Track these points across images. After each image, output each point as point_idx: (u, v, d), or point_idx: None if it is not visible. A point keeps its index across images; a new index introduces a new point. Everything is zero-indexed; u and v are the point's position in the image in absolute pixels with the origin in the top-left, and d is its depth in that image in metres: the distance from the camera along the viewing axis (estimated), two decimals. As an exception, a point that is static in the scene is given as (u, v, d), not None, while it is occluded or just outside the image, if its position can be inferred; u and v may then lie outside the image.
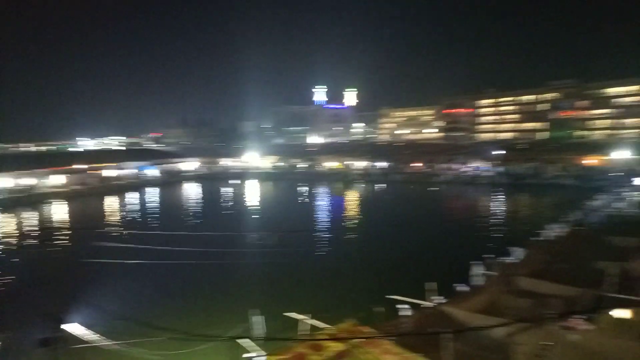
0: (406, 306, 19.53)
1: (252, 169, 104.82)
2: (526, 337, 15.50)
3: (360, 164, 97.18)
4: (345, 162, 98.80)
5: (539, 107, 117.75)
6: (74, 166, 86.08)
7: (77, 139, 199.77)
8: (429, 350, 13.96)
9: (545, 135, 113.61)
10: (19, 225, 53.79)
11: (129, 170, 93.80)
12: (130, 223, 52.57)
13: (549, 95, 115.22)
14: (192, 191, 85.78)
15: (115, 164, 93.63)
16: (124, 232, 46.14)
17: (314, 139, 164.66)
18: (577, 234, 33.03)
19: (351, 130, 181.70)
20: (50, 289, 26.22)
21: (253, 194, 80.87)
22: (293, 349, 13.36)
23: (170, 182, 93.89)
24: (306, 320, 17.15)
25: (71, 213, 63.79)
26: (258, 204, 68.31)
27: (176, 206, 68.03)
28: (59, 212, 64.10)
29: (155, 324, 19.93)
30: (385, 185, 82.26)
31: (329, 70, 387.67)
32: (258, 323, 16.69)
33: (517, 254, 27.97)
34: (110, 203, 70.53)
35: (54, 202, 70.07)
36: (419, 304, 20.23)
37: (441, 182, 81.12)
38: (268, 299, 22.76)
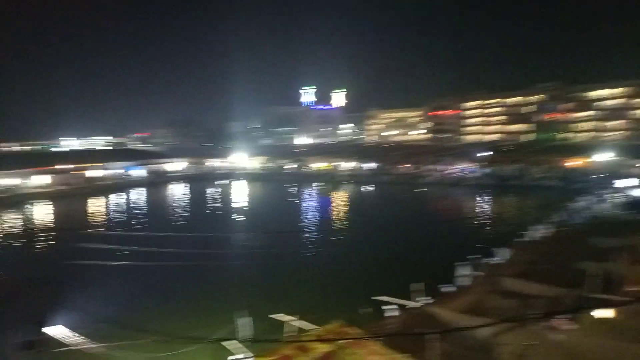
0: (393, 307, 19.65)
1: (240, 170, 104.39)
2: (511, 337, 15.69)
3: (348, 165, 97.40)
4: (333, 163, 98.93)
5: (524, 109, 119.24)
6: (59, 166, 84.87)
7: (61, 138, 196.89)
8: (415, 350, 14.06)
9: (531, 137, 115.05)
10: (1, 226, 52.87)
11: (114, 170, 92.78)
12: (115, 224, 52.00)
13: (534, 98, 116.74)
14: (178, 192, 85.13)
15: (100, 164, 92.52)
16: (108, 233, 45.62)
17: (302, 139, 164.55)
18: (561, 235, 33.57)
19: (339, 131, 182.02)
20: (33, 291, 25.82)
21: (240, 195, 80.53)
22: (279, 350, 13.35)
23: (157, 183, 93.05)
24: (293, 321, 17.15)
25: (55, 214, 62.90)
26: (245, 204, 68.07)
27: (162, 207, 67.48)
28: (43, 212, 63.17)
29: (140, 326, 19.74)
30: (373, 186, 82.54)
31: (318, 70, 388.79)
32: (245, 325, 16.64)
33: (502, 254, 28.28)
34: (95, 204, 69.69)
35: (37, 203, 69.02)
36: (406, 305, 20.36)
37: (428, 183, 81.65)
38: (255, 301, 22.67)
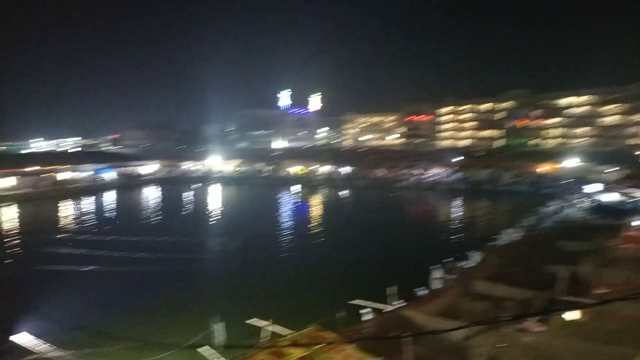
0: (368, 310, 19.79)
1: (215, 173, 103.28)
2: (483, 339, 16.00)
3: (324, 169, 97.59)
4: (309, 167, 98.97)
5: (496, 115, 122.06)
6: (26, 168, 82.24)
7: (29, 140, 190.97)
8: (390, 354, 14.18)
9: (502, 142, 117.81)
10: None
11: (84, 173, 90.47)
12: (85, 228, 50.70)
13: (505, 104, 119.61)
14: (151, 195, 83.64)
15: (70, 167, 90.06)
16: (78, 237, 44.44)
17: (278, 143, 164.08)
18: (531, 239, 34.43)
19: (315, 135, 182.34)
20: (-2, 298, 24.95)
21: (215, 199, 79.68)
22: (254, 356, 13.25)
23: (129, 186, 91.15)
24: (268, 326, 17.06)
25: (21, 217, 60.89)
26: (220, 208, 67.39)
27: (134, 211, 66.17)
28: (8, 216, 61.06)
29: (111, 333, 19.32)
30: (348, 190, 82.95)
31: (294, 74, 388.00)
32: (219, 330, 16.47)
33: (475, 258, 28.82)
34: (64, 207, 67.80)
35: (2, 206, 66.70)
36: (381, 309, 20.52)
37: (403, 187, 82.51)
38: (229, 306, 22.45)
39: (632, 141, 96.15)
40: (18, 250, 41.35)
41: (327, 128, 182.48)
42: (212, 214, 61.38)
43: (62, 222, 55.36)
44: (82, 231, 48.57)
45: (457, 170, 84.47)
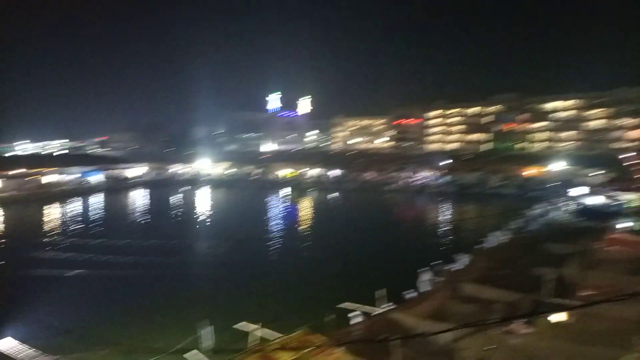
0: (357, 313, 19.81)
1: (204, 176, 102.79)
2: (471, 341, 16.11)
3: (313, 172, 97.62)
4: (298, 170, 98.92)
5: (483, 119, 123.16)
6: (12, 171, 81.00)
7: (15, 142, 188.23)
8: (379, 356, 14.22)
9: (489, 146, 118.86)
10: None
11: (71, 175, 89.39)
12: (71, 232, 50.06)
13: (492, 108, 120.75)
14: (139, 198, 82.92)
15: (56, 169, 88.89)
16: (64, 241, 43.86)
17: (267, 146, 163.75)
18: (518, 241, 34.78)
19: (305, 138, 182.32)
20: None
21: (204, 202, 79.25)
22: (243, 360, 13.19)
23: (117, 189, 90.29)
24: (257, 330, 16.99)
25: (6, 221, 59.95)
26: (209, 211, 67.02)
27: (122, 214, 65.54)
28: (-7, 219, 60.08)
29: (98, 338, 19.10)
30: (338, 193, 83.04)
31: (284, 77, 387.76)
32: (207, 335, 16.36)
33: (463, 260, 29.02)
34: (51, 210, 66.91)
35: (-14, 209, 65.61)
36: (370, 312, 20.55)
37: (392, 190, 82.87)
38: (218, 310, 22.32)
39: (616, 145, 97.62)
40: (3, 254, 40.68)
41: (317, 131, 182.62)
42: (201, 217, 61.02)
43: (48, 226, 54.59)
44: (68, 235, 47.96)
45: (446, 174, 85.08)
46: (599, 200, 47.67)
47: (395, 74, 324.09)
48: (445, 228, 51.20)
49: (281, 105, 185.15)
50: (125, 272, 30.08)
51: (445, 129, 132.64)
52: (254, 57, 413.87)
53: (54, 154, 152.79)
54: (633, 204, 43.34)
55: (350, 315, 19.58)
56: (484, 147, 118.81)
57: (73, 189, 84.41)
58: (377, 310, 20.61)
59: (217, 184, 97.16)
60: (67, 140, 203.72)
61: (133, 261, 31.71)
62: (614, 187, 52.55)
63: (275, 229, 53.16)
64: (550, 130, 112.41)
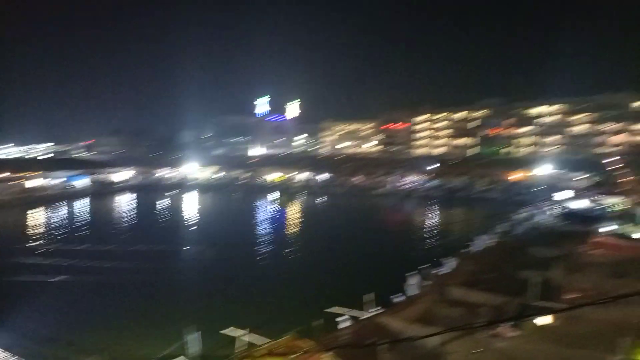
0: (345, 318, 19.79)
1: (191, 180, 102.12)
2: (458, 345, 16.20)
3: (302, 176, 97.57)
4: (287, 174, 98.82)
5: (470, 124, 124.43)
6: (-6, 175, 79.64)
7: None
8: (366, 361, 14.22)
9: (476, 150, 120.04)
10: None
11: (56, 180, 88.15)
12: (55, 237, 49.32)
13: (479, 113, 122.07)
14: (125, 203, 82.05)
15: (41, 173, 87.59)
16: (48, 247, 43.18)
17: (256, 150, 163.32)
18: (504, 245, 35.10)
19: (293, 142, 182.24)
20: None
21: (191, 206, 78.70)
22: (230, 366, 13.10)
23: (102, 193, 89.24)
24: (244, 336, 16.89)
25: (-12, 226, 58.87)
26: (196, 216, 66.55)
27: (107, 219, 64.76)
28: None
29: (82, 345, 18.82)
30: (326, 197, 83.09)
31: (272, 81, 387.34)
32: (194, 341, 16.22)
33: (450, 264, 29.20)
34: (35, 215, 65.85)
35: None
36: (358, 316, 20.55)
37: (380, 195, 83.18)
38: (205, 315, 22.14)
39: (600, 150, 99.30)
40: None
41: (305, 135, 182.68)
42: (188, 222, 60.55)
43: (31, 231, 53.71)
44: (52, 240, 47.26)
45: (433, 178, 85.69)
46: (583, 204, 48.37)
47: (383, 78, 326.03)
48: (433, 232, 51.49)
49: (269, 109, 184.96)
50: (110, 278, 29.70)
51: (432, 134, 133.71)
52: (243, 61, 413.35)
53: (39, 157, 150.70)
54: (616, 208, 44.06)
55: (338, 319, 19.56)
56: (470, 152, 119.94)
57: (58, 194, 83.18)
58: (365, 315, 20.63)
59: (204, 188, 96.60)
60: (52, 144, 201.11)
61: (118, 267, 31.34)
62: (598, 191, 53.39)
63: (263, 234, 52.97)
64: (536, 134, 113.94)
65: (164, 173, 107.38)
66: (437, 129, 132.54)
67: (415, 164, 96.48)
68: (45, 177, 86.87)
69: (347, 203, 78.22)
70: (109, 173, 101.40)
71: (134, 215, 68.37)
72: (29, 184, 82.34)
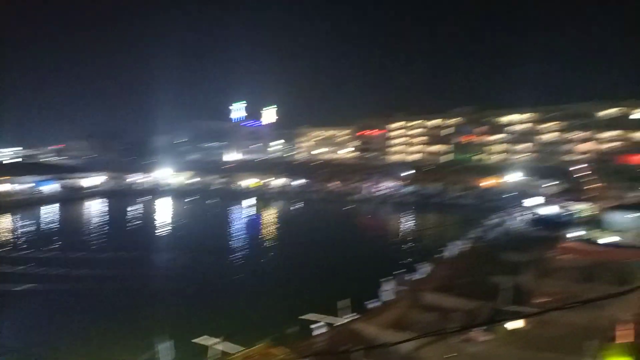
0: (320, 324, 19.70)
1: (164, 186, 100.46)
2: (432, 350, 16.32)
3: (278, 182, 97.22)
4: (263, 180, 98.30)
5: (443, 131, 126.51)
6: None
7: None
8: (341, 368, 14.17)
9: (449, 157, 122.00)
10: None
11: (24, 185, 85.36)
12: (21, 244, 47.68)
13: (452, 121, 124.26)
14: (96, 209, 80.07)
15: (8, 178, 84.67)
16: (13, 255, 41.68)
17: (231, 155, 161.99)
18: (476, 250, 35.67)
19: (269, 148, 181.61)
20: None
21: (164, 212, 77.37)
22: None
23: (73, 199, 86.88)
24: (217, 344, 16.62)
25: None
26: (169, 222, 65.41)
27: (77, 225, 63.02)
28: None
29: (48, 356, 18.19)
30: (302, 203, 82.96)
31: (248, 86, 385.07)
32: (165, 349, 15.87)
33: (424, 269, 29.47)
34: (0, 222, 63.56)
35: None
36: (333, 322, 20.48)
37: (355, 200, 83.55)
38: (177, 323, 21.72)
39: (568, 157, 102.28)
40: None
41: (282, 141, 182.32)
42: (160, 228, 59.46)
43: (-4, 238, 51.81)
44: (18, 247, 45.65)
45: (408, 184, 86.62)
46: (552, 210, 49.62)
47: (359, 85, 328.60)
48: (408, 237, 51.96)
49: (246, 114, 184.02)
50: (79, 286, 28.86)
51: (407, 141, 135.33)
52: (218, 66, 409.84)
53: (5, 162, 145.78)
54: (583, 214, 45.35)
55: (313, 326, 19.45)
56: (444, 159, 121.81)
57: (25, 199, 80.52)
58: (340, 321, 20.58)
59: (178, 193, 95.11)
60: (20, 148, 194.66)
61: (88, 274, 30.51)
62: (566, 197, 54.86)
63: (238, 240, 52.47)
64: (507, 142, 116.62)
65: (137, 178, 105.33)
66: (412, 136, 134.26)
67: (391, 170, 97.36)
68: (12, 183, 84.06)
69: (323, 209, 78.27)
70: (79, 178, 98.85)
71: (105, 221, 66.76)
72: (-6, 189, 79.50)
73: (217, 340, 16.90)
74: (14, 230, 57.59)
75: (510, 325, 17.55)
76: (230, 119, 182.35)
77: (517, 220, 48.83)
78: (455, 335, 16.74)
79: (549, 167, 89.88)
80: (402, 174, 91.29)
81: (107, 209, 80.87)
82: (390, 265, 29.83)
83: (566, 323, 17.19)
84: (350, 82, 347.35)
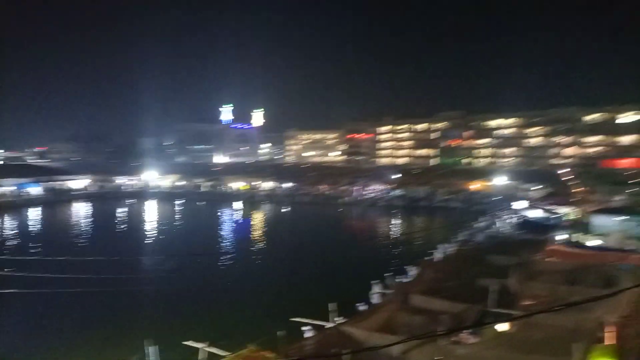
0: (309, 328, 19.61)
1: (151, 188, 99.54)
2: (420, 353, 16.32)
3: (266, 185, 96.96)
4: (251, 183, 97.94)
5: (431, 135, 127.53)
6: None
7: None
8: (329, 372, 14.10)
9: (437, 161, 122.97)
10: None
11: (6, 187, 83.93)
12: (4, 247, 46.80)
13: (439, 125, 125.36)
14: (81, 212, 79.01)
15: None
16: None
17: (219, 158, 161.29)
18: (464, 253, 35.86)
19: (258, 150, 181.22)
20: None
21: (151, 215, 76.62)
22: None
23: (57, 202, 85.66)
24: (204, 348, 16.43)
25: None
26: (155, 225, 64.77)
27: (61, 228, 62.07)
28: None
29: (31, 362, 17.82)
30: (290, 206, 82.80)
31: (237, 89, 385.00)
32: (152, 354, 15.65)
33: (412, 272, 29.56)
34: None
35: None
36: (322, 325, 20.41)
37: (344, 204, 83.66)
38: (164, 327, 21.46)
39: (554, 161, 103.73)
40: None
41: (270, 144, 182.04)
42: (147, 231, 58.86)
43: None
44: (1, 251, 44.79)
45: (396, 187, 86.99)
46: (538, 213, 50.17)
47: (347, 89, 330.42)
48: (396, 240, 52.12)
49: (234, 117, 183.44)
50: (63, 291, 28.34)
51: (395, 144, 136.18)
52: (207, 69, 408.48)
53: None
54: (569, 217, 45.94)
55: (302, 329, 19.36)
56: (432, 162, 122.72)
57: (8, 202, 79.19)
58: (329, 324, 20.51)
59: (165, 196, 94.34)
60: (2, 150, 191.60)
61: (72, 278, 29.97)
62: (552, 201, 55.53)
63: (226, 243, 52.17)
64: (494, 146, 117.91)
65: (123, 181, 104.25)
66: (400, 140, 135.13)
67: (379, 173, 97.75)
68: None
69: (312, 212, 78.22)
70: (63, 180, 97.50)
71: (90, 224, 65.90)
72: (-24, 191, 78.05)
73: (204, 344, 16.72)
74: (-4, 234, 56.47)
75: (498, 327, 17.65)
76: (219, 122, 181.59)
77: (504, 223, 49.27)
78: (443, 338, 16.77)
79: (535, 171, 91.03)
80: (391, 177, 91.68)
81: (92, 212, 79.86)
82: (379, 268, 29.84)
83: (553, 325, 17.32)
84: (338, 85, 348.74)
